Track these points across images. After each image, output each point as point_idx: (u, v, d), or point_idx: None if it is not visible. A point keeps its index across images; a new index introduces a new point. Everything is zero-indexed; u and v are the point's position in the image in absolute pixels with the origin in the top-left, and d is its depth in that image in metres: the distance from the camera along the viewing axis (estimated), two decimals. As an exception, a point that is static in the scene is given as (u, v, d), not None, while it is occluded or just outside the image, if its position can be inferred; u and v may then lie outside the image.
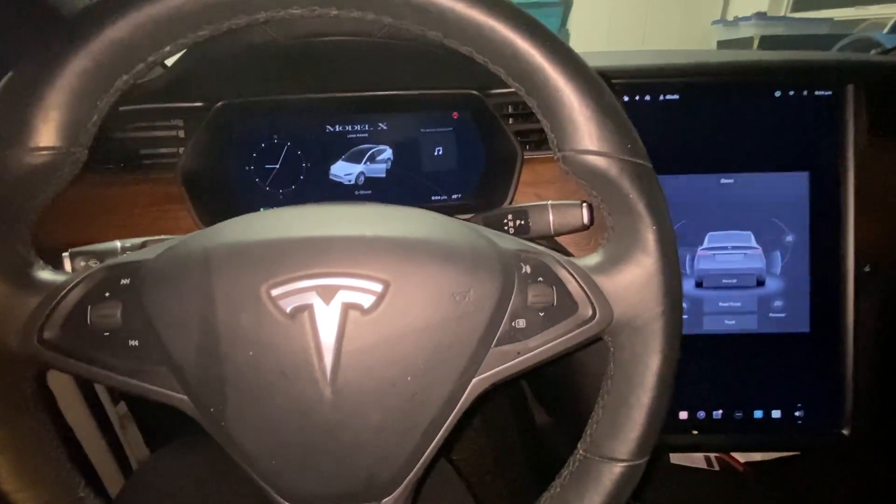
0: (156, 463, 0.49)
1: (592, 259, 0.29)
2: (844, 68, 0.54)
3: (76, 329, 0.25)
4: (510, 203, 0.52)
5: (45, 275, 0.26)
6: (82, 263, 0.33)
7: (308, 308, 0.24)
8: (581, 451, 0.29)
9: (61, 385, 0.66)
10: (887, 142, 0.52)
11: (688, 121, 0.53)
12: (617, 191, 0.27)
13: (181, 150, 0.50)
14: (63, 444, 0.27)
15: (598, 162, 0.27)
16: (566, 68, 0.26)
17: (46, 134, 0.24)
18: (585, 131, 0.26)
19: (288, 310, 0.24)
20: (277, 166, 0.54)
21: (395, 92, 0.54)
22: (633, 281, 0.27)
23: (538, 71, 0.26)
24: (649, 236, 0.27)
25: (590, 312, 0.27)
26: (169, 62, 0.51)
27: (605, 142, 0.26)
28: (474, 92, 0.53)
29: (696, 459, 0.63)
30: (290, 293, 0.24)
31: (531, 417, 0.76)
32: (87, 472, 0.71)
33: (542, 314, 0.27)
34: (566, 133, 0.27)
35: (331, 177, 0.55)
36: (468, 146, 0.55)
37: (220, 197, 0.52)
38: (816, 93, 0.53)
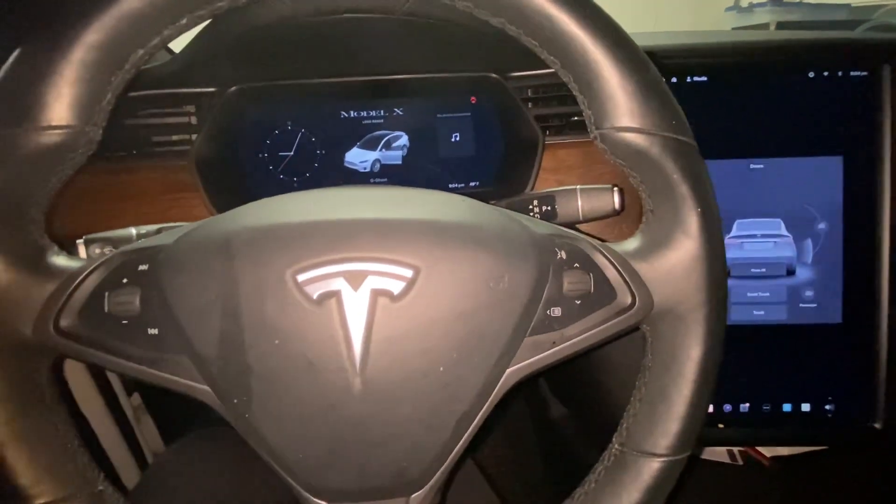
0: (172, 455, 0.48)
1: (631, 244, 0.27)
2: (881, 47, 0.52)
3: (93, 317, 0.24)
4: (531, 190, 0.51)
5: (61, 261, 0.25)
6: (97, 250, 0.32)
7: (336, 294, 0.23)
8: (617, 446, 0.28)
9: (75, 376, 0.66)
10: (927, 124, 0.50)
11: (716, 104, 0.51)
12: (659, 171, 0.25)
13: (194, 136, 0.49)
14: (81, 435, 0.26)
15: (639, 140, 0.25)
16: (607, 39, 0.24)
17: (59, 111, 0.22)
18: (626, 107, 0.25)
19: (315, 296, 0.23)
20: (291, 153, 0.52)
21: (411, 75, 0.52)
22: (674, 267, 0.26)
23: (575, 42, 0.24)
24: (693, 219, 0.26)
25: (629, 300, 0.26)
26: (179, 47, 0.49)
27: (647, 118, 0.25)
28: (493, 75, 0.52)
29: (718, 453, 0.61)
30: (316, 278, 0.23)
31: (547, 409, 0.75)
32: (102, 464, 0.71)
33: (578, 302, 0.26)
34: (605, 109, 0.25)
35: (345, 164, 0.54)
36: (487, 132, 0.53)
37: (234, 184, 0.51)
38: (851, 73, 0.51)
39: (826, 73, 0.51)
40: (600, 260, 0.26)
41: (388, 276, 0.23)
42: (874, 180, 0.51)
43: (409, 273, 0.23)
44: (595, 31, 0.24)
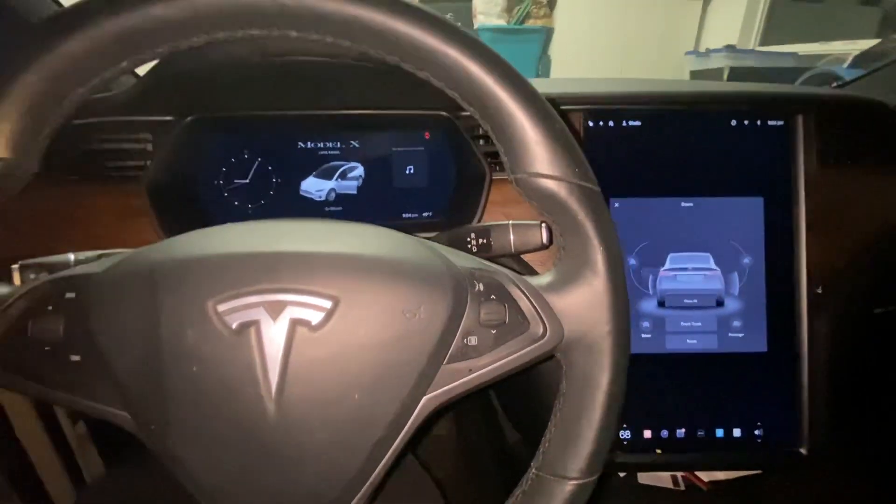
0: (107, 480, 0.47)
1: (545, 278, 0.29)
2: (794, 100, 0.57)
3: (16, 342, 0.24)
4: (479, 221, 0.53)
5: None
6: (32, 276, 0.32)
7: (255, 324, 0.24)
8: (534, 470, 0.29)
9: (16, 404, 0.64)
10: (836, 169, 0.55)
11: (650, 146, 0.55)
12: (567, 212, 0.28)
13: (149, 163, 0.50)
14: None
15: (549, 184, 0.27)
16: (517, 95, 0.27)
17: None
18: (536, 155, 0.27)
19: (234, 325, 0.24)
20: (247, 181, 0.54)
21: (367, 111, 0.54)
22: (582, 300, 0.28)
23: (491, 97, 0.27)
24: (598, 257, 0.28)
25: (541, 330, 0.28)
26: (140, 72, 0.51)
27: (555, 165, 0.27)
28: (445, 113, 0.55)
29: (663, 479, 0.63)
30: (236, 309, 0.24)
31: (505, 441, 0.75)
32: (41, 495, 0.67)
33: (493, 332, 0.27)
34: (518, 156, 0.28)
35: (301, 192, 0.55)
36: (439, 166, 0.56)
37: (187, 211, 0.51)
38: (769, 122, 0.56)
39: (746, 122, 0.56)
40: (515, 292, 0.28)
41: (307, 306, 0.24)
42: (791, 220, 0.55)
43: (328, 304, 0.25)
44: (507, 88, 0.27)
